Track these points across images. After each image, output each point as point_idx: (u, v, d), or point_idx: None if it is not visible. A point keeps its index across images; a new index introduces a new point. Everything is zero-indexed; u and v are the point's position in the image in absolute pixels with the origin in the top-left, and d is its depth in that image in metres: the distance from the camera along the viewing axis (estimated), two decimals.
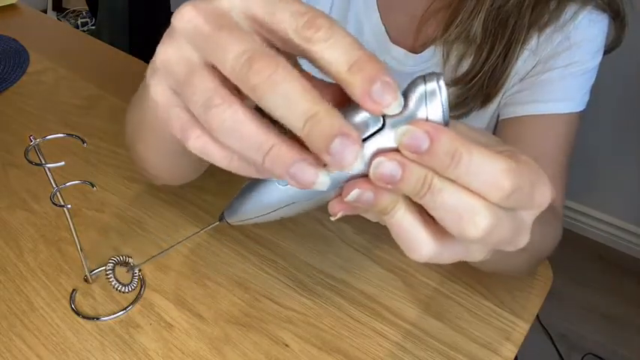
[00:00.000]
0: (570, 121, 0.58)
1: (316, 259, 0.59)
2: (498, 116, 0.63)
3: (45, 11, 2.37)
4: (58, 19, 2.39)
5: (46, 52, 0.96)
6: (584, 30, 0.56)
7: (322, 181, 0.22)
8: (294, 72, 0.21)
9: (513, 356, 0.51)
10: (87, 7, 2.41)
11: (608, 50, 0.59)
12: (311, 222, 0.63)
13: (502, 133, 0.61)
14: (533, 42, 0.57)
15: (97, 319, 0.53)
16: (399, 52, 0.63)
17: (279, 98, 0.21)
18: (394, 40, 0.64)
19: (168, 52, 0.25)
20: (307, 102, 0.21)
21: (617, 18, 0.57)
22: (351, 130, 0.21)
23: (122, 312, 0.53)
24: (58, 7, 2.45)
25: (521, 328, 0.54)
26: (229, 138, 0.23)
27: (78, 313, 0.53)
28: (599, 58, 0.58)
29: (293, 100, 0.21)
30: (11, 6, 1.12)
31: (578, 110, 0.58)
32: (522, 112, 0.59)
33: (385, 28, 0.63)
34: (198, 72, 0.23)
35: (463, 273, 0.58)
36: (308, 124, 0.21)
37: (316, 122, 0.21)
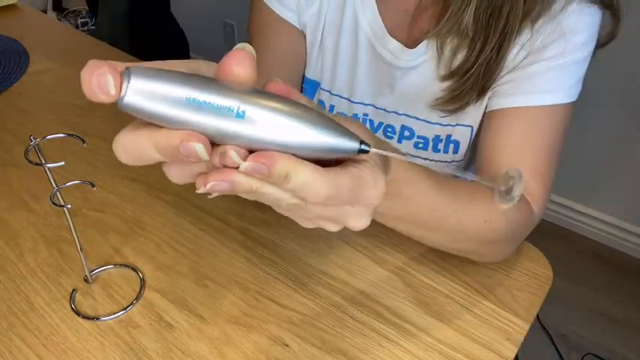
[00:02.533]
0: (556, 113, 0.58)
1: (316, 259, 0.59)
2: (486, 107, 0.63)
3: (45, 11, 2.37)
4: (58, 19, 2.39)
5: (46, 52, 0.96)
6: (573, 21, 0.56)
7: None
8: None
9: (513, 356, 0.51)
10: (87, 7, 2.41)
11: (603, 44, 0.59)
12: None
13: (488, 125, 0.61)
14: (525, 34, 0.57)
15: (97, 319, 0.53)
16: (395, 45, 0.64)
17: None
18: (391, 34, 0.64)
19: None
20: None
21: (609, 10, 0.56)
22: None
23: (122, 312, 0.53)
24: (58, 7, 2.46)
25: (521, 328, 0.54)
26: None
27: (78, 313, 0.53)
28: (588, 49, 0.57)
29: None
30: (11, 6, 1.12)
31: (565, 102, 0.58)
32: (507, 105, 0.59)
33: (383, 21, 0.64)
34: None
35: (463, 273, 0.58)
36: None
37: None
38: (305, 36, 0.70)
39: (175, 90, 0.25)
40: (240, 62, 0.27)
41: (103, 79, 0.24)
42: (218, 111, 0.25)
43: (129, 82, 0.24)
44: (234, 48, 0.27)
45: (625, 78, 1.44)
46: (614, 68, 1.40)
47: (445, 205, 0.47)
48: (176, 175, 0.29)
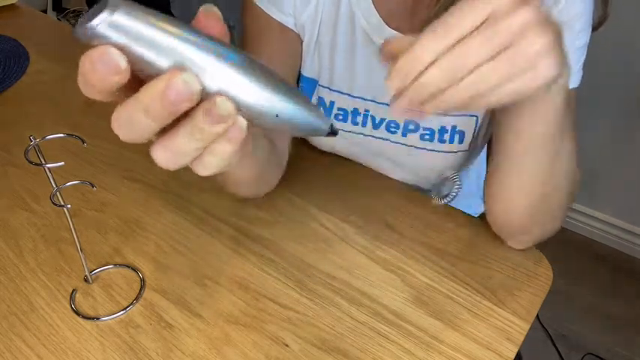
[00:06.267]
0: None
1: (316, 259, 0.59)
2: None
3: (45, 11, 2.37)
4: (58, 19, 2.39)
5: (46, 52, 0.96)
6: (569, 9, 0.56)
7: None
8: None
9: (513, 356, 0.51)
10: (87, 7, 2.41)
11: (595, 27, 0.59)
12: (311, 222, 0.63)
13: (492, 111, 0.62)
14: None
15: (97, 319, 0.53)
16: (392, 34, 0.64)
17: None
18: (390, 25, 0.64)
19: None
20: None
21: None
22: None
23: (122, 312, 0.53)
24: (58, 7, 2.46)
25: (521, 328, 0.54)
26: None
27: (78, 313, 0.53)
28: (586, 35, 0.58)
29: None
30: (11, 6, 1.12)
31: (571, 87, 0.58)
32: None
33: (379, 12, 0.64)
34: None
35: (463, 273, 0.58)
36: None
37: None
38: (301, 38, 0.70)
39: (159, 20, 0.24)
40: (208, 24, 0.26)
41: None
42: (205, 46, 0.25)
43: (110, 14, 0.24)
44: (200, 10, 0.26)
45: (625, 77, 1.44)
46: (615, 68, 1.41)
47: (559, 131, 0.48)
48: (164, 155, 0.27)
